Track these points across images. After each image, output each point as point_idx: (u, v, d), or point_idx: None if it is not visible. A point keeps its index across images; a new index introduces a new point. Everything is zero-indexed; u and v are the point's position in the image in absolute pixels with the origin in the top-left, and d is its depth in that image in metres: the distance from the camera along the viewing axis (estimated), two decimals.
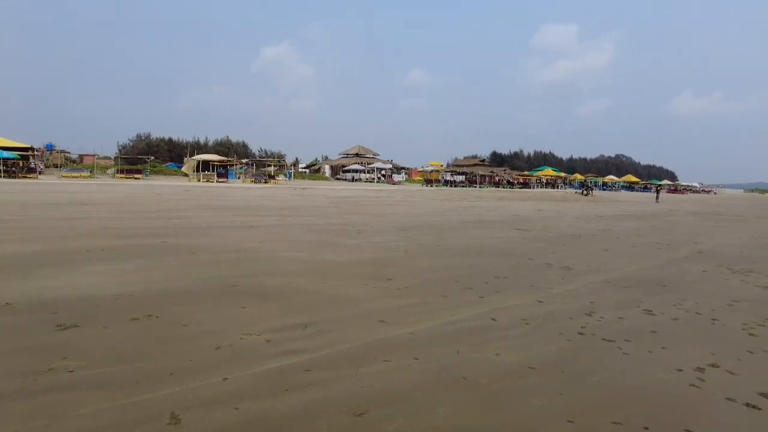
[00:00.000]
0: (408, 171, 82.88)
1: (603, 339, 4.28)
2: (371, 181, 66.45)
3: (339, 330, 4.25)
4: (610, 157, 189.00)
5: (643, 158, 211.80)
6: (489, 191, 44.19)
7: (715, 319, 5.08)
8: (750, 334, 4.62)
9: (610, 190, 75.85)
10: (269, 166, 60.36)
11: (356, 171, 71.52)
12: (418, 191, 37.91)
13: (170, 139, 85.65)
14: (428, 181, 61.02)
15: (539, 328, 4.54)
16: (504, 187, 60.54)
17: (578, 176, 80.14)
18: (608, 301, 5.70)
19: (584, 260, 8.44)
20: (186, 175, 46.25)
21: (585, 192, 42.49)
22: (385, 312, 4.83)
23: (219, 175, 41.17)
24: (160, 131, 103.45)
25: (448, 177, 68.00)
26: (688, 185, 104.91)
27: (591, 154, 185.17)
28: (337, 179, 71.74)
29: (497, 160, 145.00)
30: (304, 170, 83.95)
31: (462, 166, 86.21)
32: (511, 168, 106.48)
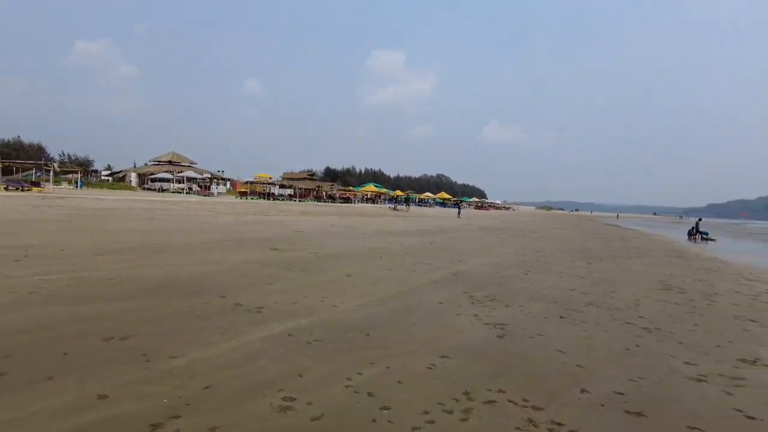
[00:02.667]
0: (232, 182, 76.72)
1: None
2: (180, 191, 59.25)
3: None
4: (432, 176, 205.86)
5: (460, 178, 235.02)
6: (303, 205, 42.16)
7: (386, 408, 3.11)
8: None
9: (425, 206, 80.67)
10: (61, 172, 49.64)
11: (165, 180, 63.38)
12: (220, 204, 33.79)
13: None
14: (242, 194, 56.42)
15: None
16: (325, 202, 59.39)
17: (399, 192, 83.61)
18: (241, 379, 3.42)
19: (300, 295, 6.29)
20: None
21: (395, 207, 43.29)
22: None
23: None
24: None
25: (275, 190, 64.45)
26: (492, 202, 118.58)
27: (416, 173, 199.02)
28: (146, 189, 62.63)
29: (331, 175, 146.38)
30: (107, 178, 72.18)
31: (292, 179, 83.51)
32: (343, 183, 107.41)
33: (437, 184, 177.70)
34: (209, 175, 72.33)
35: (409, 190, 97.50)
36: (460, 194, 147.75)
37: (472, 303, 6.52)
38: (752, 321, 6.60)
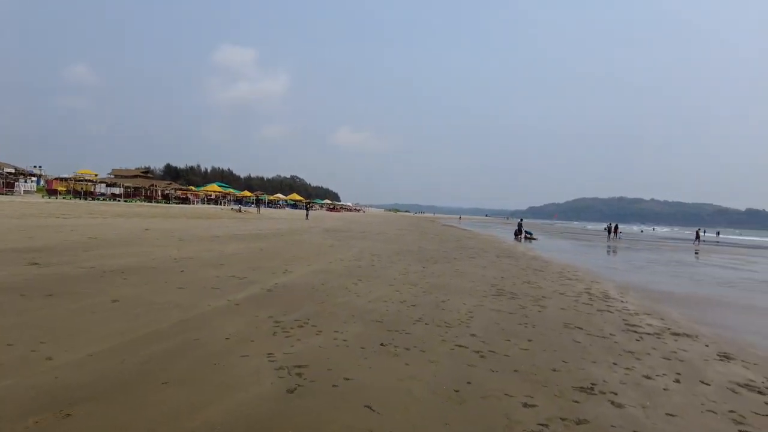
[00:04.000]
0: (48, 180, 63.96)
1: None
2: None
3: None
4: (285, 177, 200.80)
5: (315, 180, 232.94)
6: (127, 206, 36.40)
7: None
8: None
9: (276, 207, 77.43)
10: None
11: None
12: (11, 203, 27.18)
13: None
14: (53, 192, 47.39)
15: None
16: (158, 202, 52.85)
17: (247, 193, 78.98)
18: None
19: (2, 341, 4.07)
20: None
21: (239, 209, 40.16)
22: None
23: None
24: None
25: (101, 188, 55.41)
26: (343, 204, 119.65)
27: (269, 173, 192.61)
28: None
29: (172, 173, 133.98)
30: None
31: (122, 177, 73.20)
32: (186, 182, 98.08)
33: (291, 185, 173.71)
34: (13, 170, 59.46)
35: (259, 191, 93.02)
36: (314, 196, 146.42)
37: (274, 333, 4.95)
38: (579, 329, 6.22)
